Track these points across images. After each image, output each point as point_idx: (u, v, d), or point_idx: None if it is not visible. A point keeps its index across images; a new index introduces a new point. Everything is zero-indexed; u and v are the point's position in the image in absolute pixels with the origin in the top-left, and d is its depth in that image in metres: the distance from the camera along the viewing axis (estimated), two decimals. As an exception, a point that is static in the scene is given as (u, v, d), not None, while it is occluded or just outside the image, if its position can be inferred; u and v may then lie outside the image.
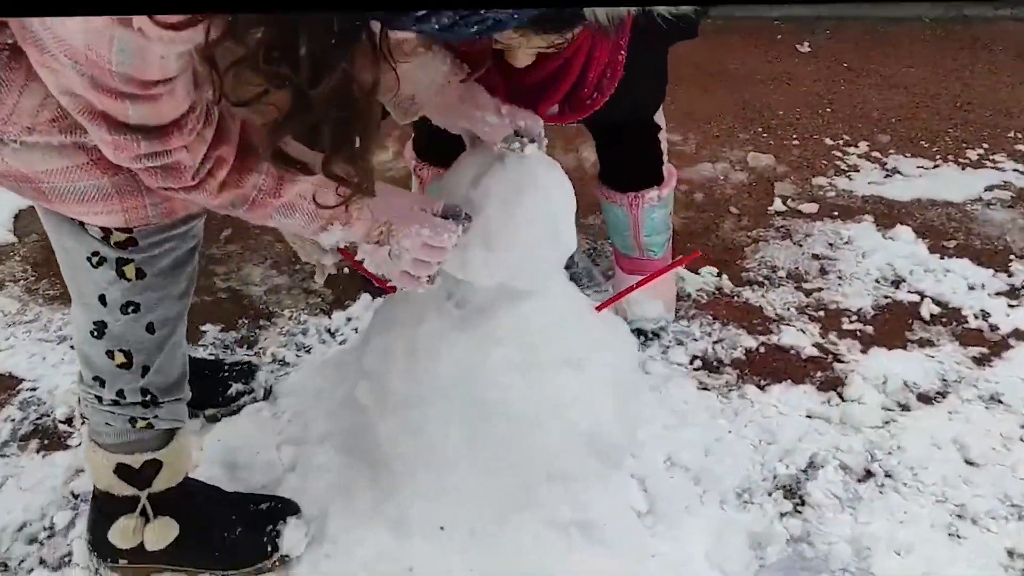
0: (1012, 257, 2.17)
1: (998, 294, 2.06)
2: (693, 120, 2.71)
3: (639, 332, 1.91)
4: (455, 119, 1.33)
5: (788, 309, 2.01)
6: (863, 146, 2.61)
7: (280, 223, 1.19)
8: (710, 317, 1.98)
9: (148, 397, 1.28)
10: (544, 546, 1.39)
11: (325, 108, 0.99)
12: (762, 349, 1.90)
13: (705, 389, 1.79)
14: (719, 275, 2.10)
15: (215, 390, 1.65)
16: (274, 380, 1.76)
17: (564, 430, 1.41)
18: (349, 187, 1.12)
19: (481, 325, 1.38)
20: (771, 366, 1.86)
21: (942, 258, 2.16)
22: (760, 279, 2.10)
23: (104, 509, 1.34)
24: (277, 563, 1.39)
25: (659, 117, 1.85)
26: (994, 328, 1.95)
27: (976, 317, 1.99)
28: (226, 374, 1.67)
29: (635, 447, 1.57)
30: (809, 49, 3.13)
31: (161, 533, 1.33)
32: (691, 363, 1.86)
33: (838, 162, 2.54)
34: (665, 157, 1.91)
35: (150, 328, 1.24)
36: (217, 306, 1.97)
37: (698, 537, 1.47)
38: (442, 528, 1.40)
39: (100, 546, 1.35)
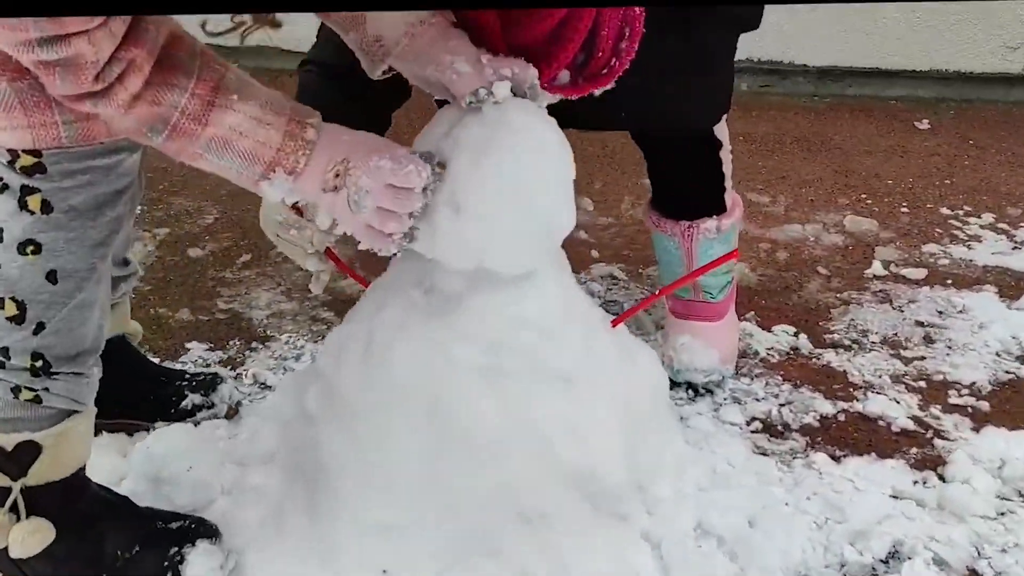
0: None
1: None
2: (786, 183, 2.41)
3: (688, 386, 1.58)
4: (424, 68, 1.09)
5: (879, 376, 1.64)
6: (987, 217, 2.23)
7: (214, 165, 0.97)
8: (779, 378, 1.63)
9: (40, 363, 1.06)
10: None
11: None
12: (841, 416, 1.53)
13: (762, 454, 1.43)
14: (796, 335, 1.75)
15: (168, 400, 1.42)
16: (247, 401, 1.51)
17: (545, 461, 1.09)
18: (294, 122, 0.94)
19: (447, 317, 1.10)
20: (851, 436, 1.48)
21: (1085, 335, 1.74)
22: (847, 342, 1.74)
23: None
24: (174, 593, 1.10)
25: (721, 131, 1.57)
26: None
27: None
28: (184, 383, 1.44)
29: (651, 502, 1.21)
30: (928, 126, 2.80)
31: (30, 536, 1.07)
32: (748, 424, 1.50)
33: (956, 231, 2.17)
34: (728, 182, 1.62)
35: (51, 277, 1.03)
36: (211, 326, 1.76)
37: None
38: (384, 572, 1.09)
39: None
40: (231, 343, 1.71)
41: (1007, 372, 1.64)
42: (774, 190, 2.35)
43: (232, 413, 1.46)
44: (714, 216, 1.59)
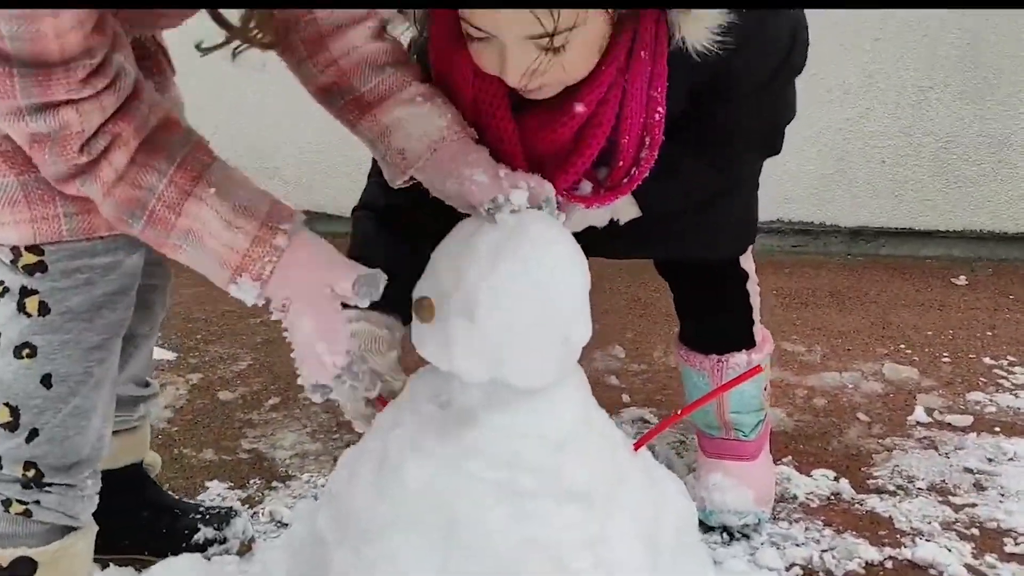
0: None
1: None
2: (823, 334, 2.37)
3: (723, 529, 1.50)
4: (444, 181, 1.12)
5: (929, 523, 1.54)
6: (1032, 366, 2.16)
7: (192, 260, 0.98)
8: (820, 523, 1.55)
9: (32, 473, 1.04)
10: None
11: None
12: (889, 564, 1.44)
13: (804, 601, 1.33)
14: (837, 479, 1.67)
15: (181, 533, 1.37)
16: (262, 539, 1.46)
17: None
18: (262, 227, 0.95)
19: (462, 432, 1.07)
20: (908, 594, 1.38)
21: None
22: (892, 488, 1.65)
23: None
24: None
25: (747, 261, 1.57)
26: None
27: None
28: (198, 516, 1.40)
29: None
30: (966, 282, 2.77)
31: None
32: (787, 569, 1.41)
33: (1000, 380, 2.10)
34: (757, 315, 1.60)
35: (46, 381, 1.03)
36: (233, 466, 1.73)
37: None
38: None
39: None
40: (252, 482, 1.68)
41: (1067, 520, 1.54)
42: (809, 340, 2.32)
43: (245, 550, 1.41)
44: (744, 350, 1.56)
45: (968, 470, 1.71)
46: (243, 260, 0.96)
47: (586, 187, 1.23)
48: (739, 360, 1.55)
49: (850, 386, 2.07)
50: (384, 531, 1.07)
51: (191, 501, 1.52)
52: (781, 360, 2.20)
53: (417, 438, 1.09)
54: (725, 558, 1.42)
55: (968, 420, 1.89)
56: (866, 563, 1.43)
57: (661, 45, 1.14)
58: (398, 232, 1.31)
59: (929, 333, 2.38)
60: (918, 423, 1.89)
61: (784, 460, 1.74)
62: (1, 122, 0.89)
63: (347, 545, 1.10)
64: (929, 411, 1.93)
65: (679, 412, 1.31)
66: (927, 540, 1.49)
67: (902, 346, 2.30)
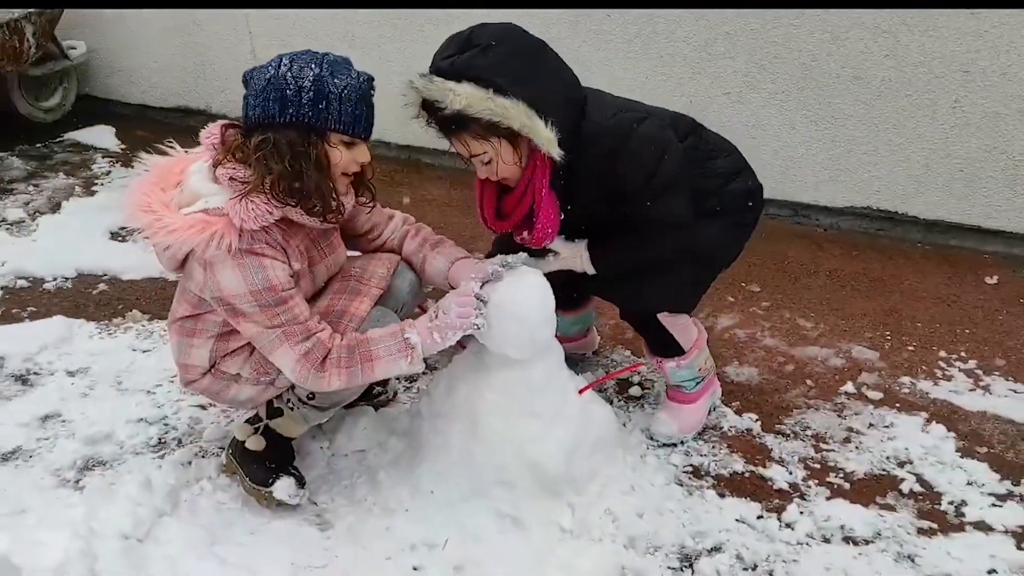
0: (1033, 473, 2.42)
1: (992, 495, 2.35)
2: (836, 314, 3.22)
3: (661, 443, 2.57)
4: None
5: (791, 455, 2.51)
6: (972, 363, 2.93)
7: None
8: (725, 446, 2.56)
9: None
10: (485, 526, 2.18)
11: None
12: (747, 474, 2.45)
13: (679, 484, 2.40)
14: (756, 421, 2.66)
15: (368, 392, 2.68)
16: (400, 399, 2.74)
17: (517, 455, 2.19)
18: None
19: (484, 375, 2.24)
20: (744, 490, 2.40)
21: (962, 457, 2.49)
22: (787, 432, 2.62)
23: None
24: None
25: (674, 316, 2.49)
26: (957, 512, 2.29)
27: (951, 504, 2.32)
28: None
29: (580, 487, 2.26)
30: (996, 282, 3.42)
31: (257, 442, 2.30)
32: (682, 468, 2.47)
33: (937, 371, 2.90)
34: (691, 335, 2.52)
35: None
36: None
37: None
38: (432, 492, 2.25)
39: None
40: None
41: (882, 470, 2.45)
42: (820, 318, 3.19)
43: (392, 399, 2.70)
44: (673, 358, 2.54)
45: (850, 428, 2.63)
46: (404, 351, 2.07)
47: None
48: (671, 364, 2.53)
49: (819, 359, 2.97)
50: (446, 412, 2.29)
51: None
52: (787, 331, 3.13)
53: (466, 372, 2.28)
54: (656, 455, 2.49)
55: (879, 395, 2.77)
56: (732, 472, 2.45)
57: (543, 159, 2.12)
58: None
59: (919, 324, 3.17)
60: (845, 392, 2.79)
61: (733, 404, 2.74)
62: (290, 356, 2.14)
63: (427, 416, 2.33)
64: (858, 386, 2.82)
65: (599, 379, 2.40)
66: (780, 465, 2.47)
67: (887, 333, 3.12)
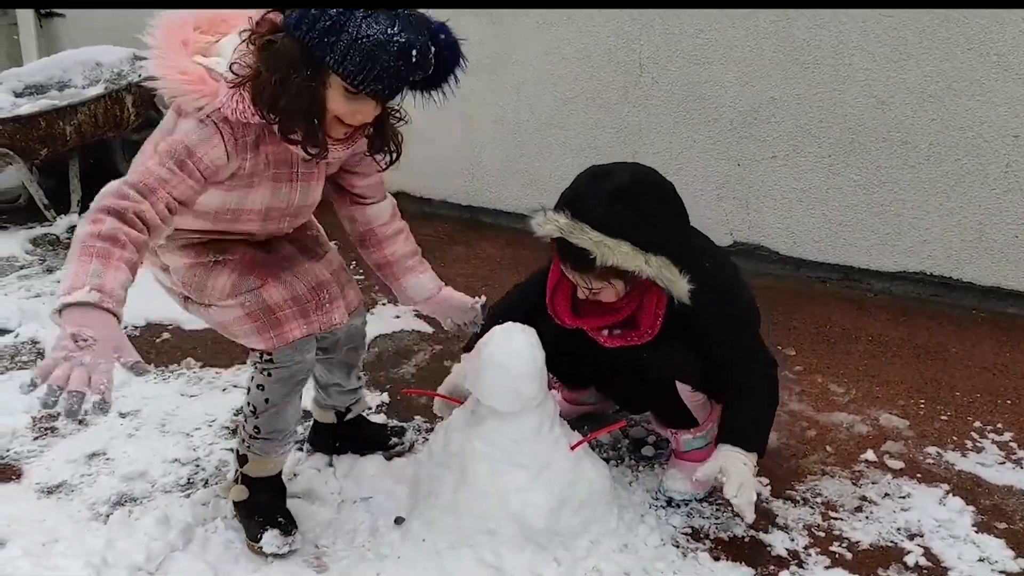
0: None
1: (1004, 573, 2.26)
2: (872, 380, 3.15)
3: (668, 500, 2.57)
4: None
5: (796, 521, 2.47)
6: (1007, 435, 2.81)
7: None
8: (731, 511, 2.54)
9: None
10: (469, 574, 2.23)
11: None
12: (747, 539, 2.42)
13: (675, 546, 2.39)
14: (767, 486, 2.63)
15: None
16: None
17: (501, 505, 2.25)
18: None
19: (475, 427, 2.32)
20: (741, 554, 2.37)
21: (978, 532, 2.39)
22: (797, 498, 2.58)
23: None
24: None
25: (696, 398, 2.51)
26: (960, 590, 2.20)
27: (956, 579, 2.25)
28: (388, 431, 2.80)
29: (568, 541, 2.29)
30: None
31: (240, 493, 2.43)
32: (681, 529, 2.46)
33: (967, 442, 2.80)
34: (704, 411, 2.54)
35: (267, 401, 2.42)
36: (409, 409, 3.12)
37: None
38: (423, 540, 2.33)
39: None
40: (414, 420, 3.05)
41: (891, 542, 2.38)
42: (853, 384, 3.13)
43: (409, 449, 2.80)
44: (690, 429, 2.57)
45: (863, 498, 2.56)
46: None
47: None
48: (686, 436, 2.57)
49: (844, 426, 2.92)
50: (442, 461, 2.37)
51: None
52: (816, 395, 3.08)
53: (461, 423, 2.37)
54: (657, 515, 2.50)
55: (900, 464, 2.69)
56: (732, 535, 2.43)
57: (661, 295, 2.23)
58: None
59: (958, 393, 3.07)
60: (864, 460, 2.73)
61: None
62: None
63: (433, 458, 2.42)
64: (880, 454, 2.75)
65: (590, 435, 2.43)
66: (783, 531, 2.44)
67: (922, 401, 3.03)
